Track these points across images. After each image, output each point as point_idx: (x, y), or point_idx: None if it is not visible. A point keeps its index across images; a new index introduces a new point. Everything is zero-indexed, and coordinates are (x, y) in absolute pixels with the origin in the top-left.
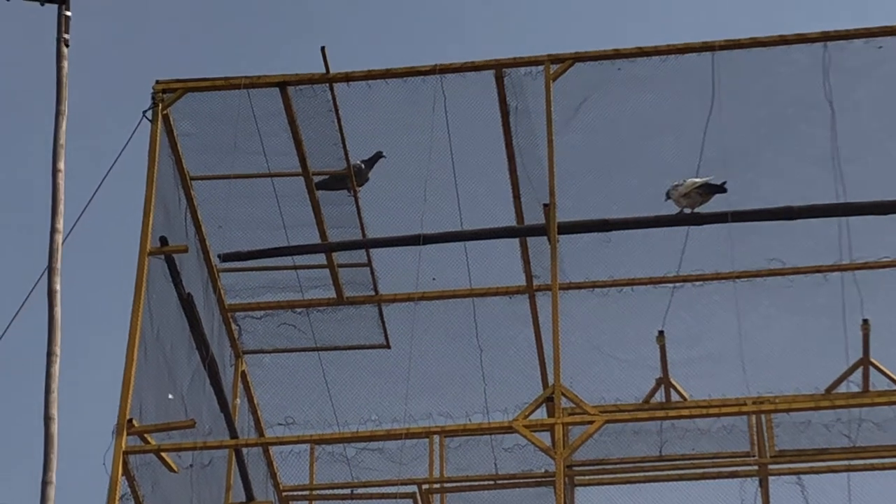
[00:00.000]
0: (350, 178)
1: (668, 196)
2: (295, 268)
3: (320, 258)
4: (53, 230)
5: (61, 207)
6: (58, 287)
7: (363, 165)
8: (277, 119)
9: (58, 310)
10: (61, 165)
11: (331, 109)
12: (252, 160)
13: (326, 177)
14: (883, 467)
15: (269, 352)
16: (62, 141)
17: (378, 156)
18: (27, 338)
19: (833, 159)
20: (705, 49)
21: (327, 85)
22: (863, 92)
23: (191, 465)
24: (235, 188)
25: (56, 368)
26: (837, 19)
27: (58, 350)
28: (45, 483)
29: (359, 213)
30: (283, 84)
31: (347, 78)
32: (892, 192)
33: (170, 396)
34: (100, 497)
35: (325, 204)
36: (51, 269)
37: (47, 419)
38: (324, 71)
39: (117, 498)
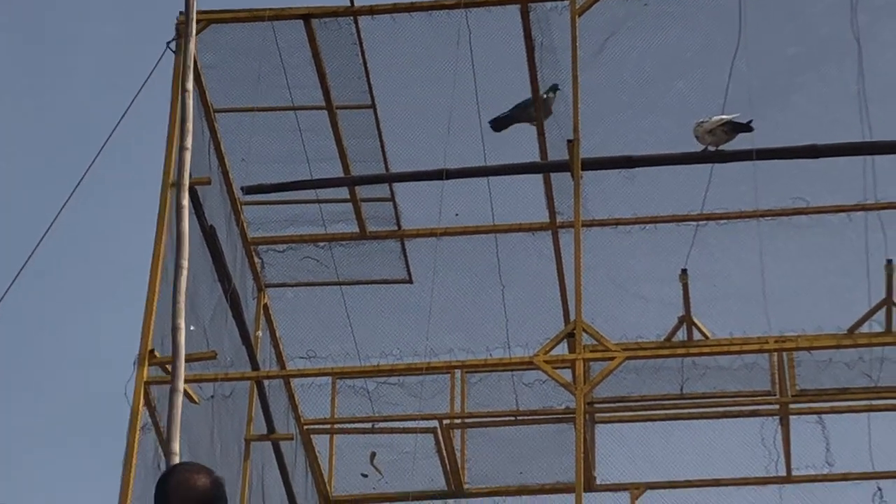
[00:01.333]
0: (537, 107)
1: (694, 132)
2: (318, 201)
3: (343, 192)
4: (181, 148)
5: (189, 126)
6: (185, 202)
7: (548, 95)
8: (301, 52)
9: (185, 224)
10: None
11: (355, 42)
12: (276, 93)
13: (508, 112)
14: None
15: (292, 285)
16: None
17: (554, 88)
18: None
19: (859, 98)
20: None
21: (351, 18)
22: (891, 31)
23: (212, 397)
24: (259, 121)
25: (183, 280)
26: None
27: (185, 263)
28: (172, 391)
29: (382, 147)
30: (307, 16)
31: (372, 11)
32: None
33: (192, 328)
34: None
35: (348, 137)
36: (179, 186)
37: (174, 329)
38: (348, 3)
39: (138, 428)
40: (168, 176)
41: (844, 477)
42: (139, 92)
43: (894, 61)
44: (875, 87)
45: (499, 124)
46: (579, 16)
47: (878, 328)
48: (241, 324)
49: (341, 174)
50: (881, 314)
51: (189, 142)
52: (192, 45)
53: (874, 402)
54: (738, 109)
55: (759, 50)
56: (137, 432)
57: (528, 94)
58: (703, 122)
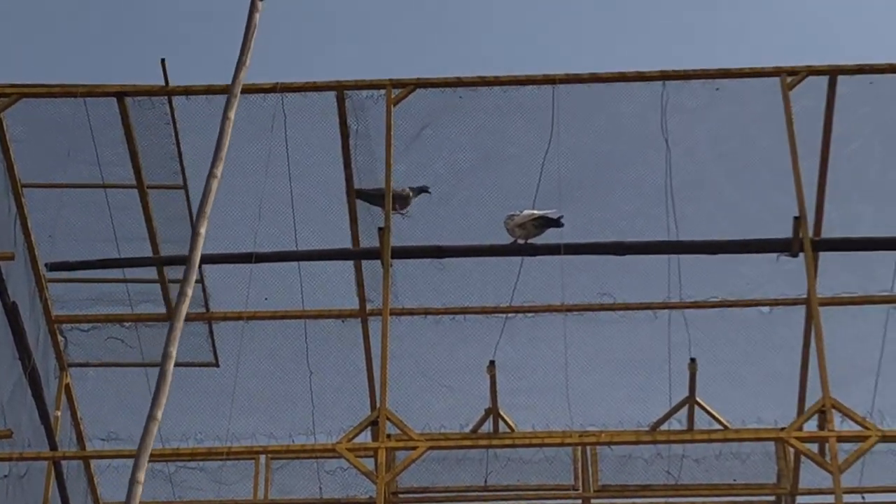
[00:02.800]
0: (386, 199)
1: (505, 225)
2: (125, 281)
3: (151, 272)
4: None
5: None
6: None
7: (410, 193)
8: (114, 129)
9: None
10: None
11: (168, 122)
12: (86, 170)
13: (374, 189)
14: None
15: (95, 365)
16: None
17: (423, 189)
18: None
19: (667, 196)
20: (546, 82)
21: (166, 97)
22: (699, 132)
23: (6, 476)
24: (68, 197)
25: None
26: (678, 59)
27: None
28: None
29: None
30: (120, 94)
31: (187, 91)
32: (723, 232)
33: None
34: None
35: (158, 217)
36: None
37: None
38: (163, 83)
39: None
40: None
41: None
42: None
43: (702, 162)
44: (683, 187)
45: (361, 195)
46: (395, 105)
47: (678, 426)
48: (41, 402)
49: (150, 254)
50: (683, 412)
51: None
52: None
53: (673, 500)
54: (549, 204)
55: (571, 146)
56: None
57: (341, 180)
58: (513, 215)
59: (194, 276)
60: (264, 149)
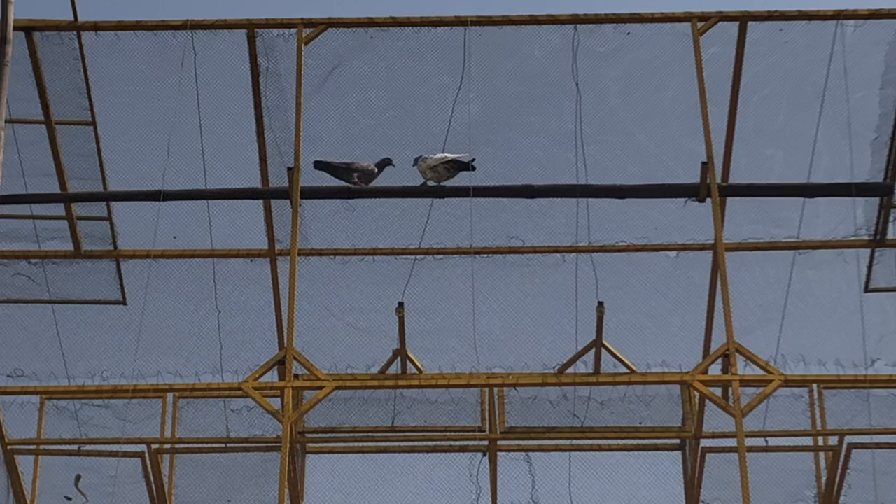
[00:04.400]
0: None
1: (416, 164)
2: (32, 217)
3: (59, 208)
4: None
5: None
6: None
7: (375, 169)
8: (22, 64)
9: None
10: None
11: (77, 58)
12: None
13: (341, 163)
14: (608, 448)
15: (2, 302)
16: None
17: (386, 162)
18: None
19: (577, 140)
20: (458, 24)
21: (75, 33)
22: (610, 77)
23: None
24: None
25: None
26: (590, 4)
27: None
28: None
29: (101, 165)
30: (28, 29)
31: (96, 27)
32: (632, 176)
33: None
34: None
35: (67, 154)
36: None
37: None
38: (72, 18)
39: None
40: None
41: None
42: None
43: (612, 107)
44: (593, 132)
45: (324, 167)
46: (306, 45)
47: (585, 370)
48: None
49: (58, 190)
50: (590, 356)
51: None
52: None
53: (579, 442)
54: (460, 147)
55: (482, 89)
56: None
57: (251, 119)
58: (425, 157)
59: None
60: (174, 85)
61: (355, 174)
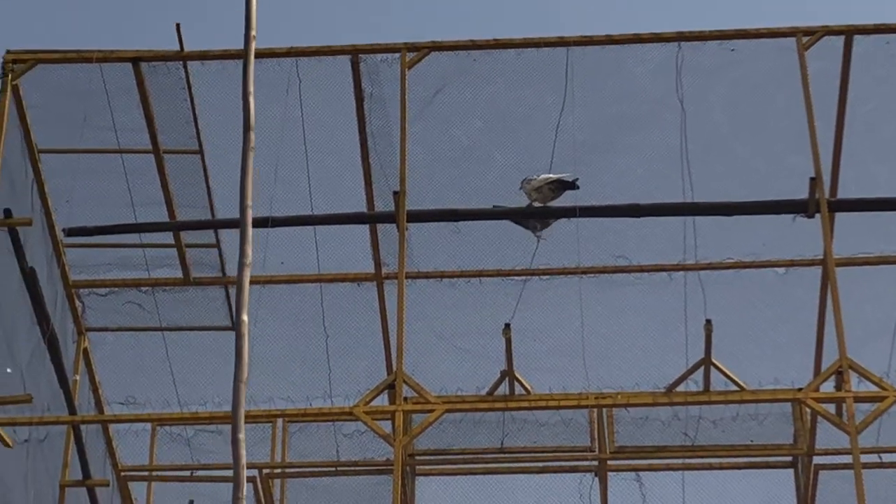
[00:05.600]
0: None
1: (522, 187)
2: (142, 245)
3: (168, 237)
4: None
5: None
6: None
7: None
8: (129, 95)
9: None
10: None
11: (184, 87)
12: (102, 135)
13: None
14: (720, 466)
15: (113, 330)
16: None
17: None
18: None
19: (682, 159)
20: (560, 44)
21: (181, 63)
22: (714, 93)
23: (26, 441)
24: (84, 163)
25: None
26: (693, 20)
27: None
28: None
29: (209, 193)
30: (136, 59)
31: (202, 56)
32: (737, 193)
33: (8, 370)
34: None
35: (174, 182)
36: None
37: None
38: (178, 48)
39: None
40: None
41: None
42: None
43: (717, 124)
44: (698, 149)
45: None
46: (409, 68)
47: (694, 387)
48: (60, 367)
49: (166, 219)
50: (699, 374)
51: None
52: None
53: (690, 461)
54: (564, 167)
55: (585, 108)
56: None
57: (356, 145)
58: (531, 179)
59: (250, 245)
60: (279, 113)
61: (538, 227)
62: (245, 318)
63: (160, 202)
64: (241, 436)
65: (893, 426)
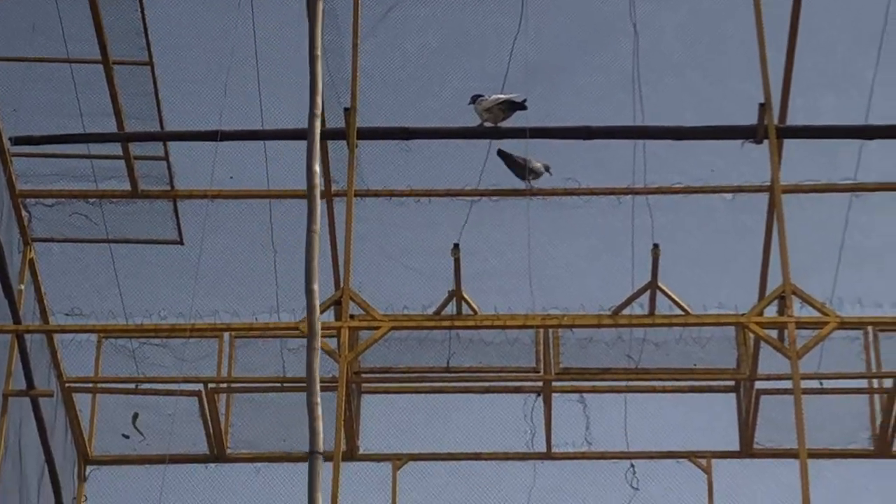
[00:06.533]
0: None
1: (473, 104)
2: (90, 157)
3: (116, 148)
4: None
5: None
6: None
7: (544, 171)
8: (79, 4)
9: None
10: None
11: None
12: (51, 45)
13: (516, 157)
14: (663, 390)
15: (60, 240)
16: None
17: (548, 166)
18: None
19: (634, 83)
20: None
21: None
22: (668, 19)
23: None
24: (33, 72)
25: None
26: None
27: None
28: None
29: (158, 105)
30: None
31: None
32: (689, 118)
33: None
34: None
35: (124, 94)
36: None
37: None
38: None
39: None
40: None
41: (602, 455)
42: None
43: (670, 48)
44: (650, 74)
45: (501, 154)
46: None
47: (640, 311)
48: (4, 277)
49: (116, 130)
50: (645, 297)
51: None
52: None
53: (633, 384)
54: (518, 90)
55: (539, 30)
56: None
57: (307, 59)
58: (482, 98)
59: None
60: (231, 25)
61: (531, 173)
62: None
63: (109, 113)
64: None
65: (835, 353)
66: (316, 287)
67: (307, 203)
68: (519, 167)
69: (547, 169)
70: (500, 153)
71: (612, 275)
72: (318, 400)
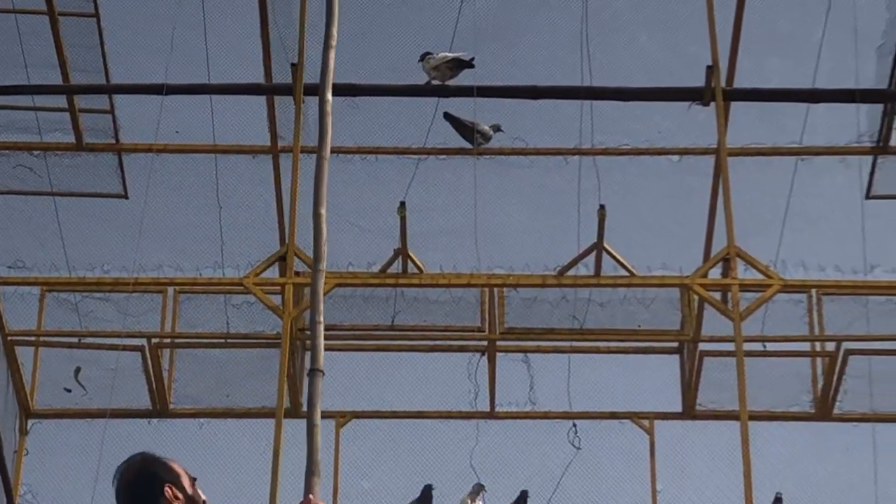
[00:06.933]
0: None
1: (422, 62)
2: (34, 108)
3: (61, 100)
4: None
5: None
6: None
7: (492, 135)
8: None
9: None
10: None
11: None
12: None
13: (464, 121)
14: (607, 350)
15: (3, 193)
16: None
17: (497, 127)
18: None
19: (583, 43)
20: None
21: None
22: None
23: None
24: None
25: None
26: None
27: None
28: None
29: (104, 58)
30: None
31: None
32: (636, 79)
33: None
34: None
35: (69, 45)
36: None
37: None
38: None
39: None
40: None
41: (545, 415)
42: None
43: (619, 9)
44: (599, 35)
45: (448, 117)
46: None
47: (586, 272)
48: None
49: (60, 82)
50: (591, 258)
51: None
52: None
53: (577, 344)
54: (466, 48)
55: None
56: None
57: (255, 14)
58: (429, 57)
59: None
60: None
61: (479, 136)
62: (329, 97)
63: (54, 65)
64: (323, 210)
65: (777, 315)
66: (324, 211)
67: (318, 133)
68: (467, 130)
69: (498, 128)
70: (447, 116)
71: (557, 235)
72: (321, 319)
